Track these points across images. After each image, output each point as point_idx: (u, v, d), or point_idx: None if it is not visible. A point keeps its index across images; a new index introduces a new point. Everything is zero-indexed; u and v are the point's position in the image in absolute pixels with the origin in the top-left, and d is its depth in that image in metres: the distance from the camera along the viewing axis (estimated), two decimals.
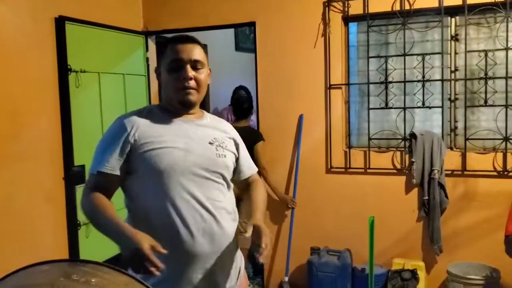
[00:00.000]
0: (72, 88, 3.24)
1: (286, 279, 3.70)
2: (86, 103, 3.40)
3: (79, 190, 3.23)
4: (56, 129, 3.17)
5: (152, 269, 1.40)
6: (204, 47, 1.76)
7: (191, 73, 1.66)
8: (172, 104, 1.72)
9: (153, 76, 4.20)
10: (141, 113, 1.73)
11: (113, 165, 1.63)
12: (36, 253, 2.87)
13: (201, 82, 1.70)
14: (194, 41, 1.72)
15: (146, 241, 1.44)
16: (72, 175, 3.20)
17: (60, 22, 3.16)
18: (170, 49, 1.69)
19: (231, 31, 5.70)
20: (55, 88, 3.16)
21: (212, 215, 1.66)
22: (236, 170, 1.84)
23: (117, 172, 1.63)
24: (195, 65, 1.68)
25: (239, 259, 1.82)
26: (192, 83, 1.67)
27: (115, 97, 3.73)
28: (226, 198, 1.74)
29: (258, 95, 3.78)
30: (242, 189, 1.95)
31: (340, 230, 3.60)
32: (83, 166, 3.27)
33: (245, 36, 6.08)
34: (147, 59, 4.09)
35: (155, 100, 4.23)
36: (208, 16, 3.85)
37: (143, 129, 1.65)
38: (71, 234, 3.23)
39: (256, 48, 3.77)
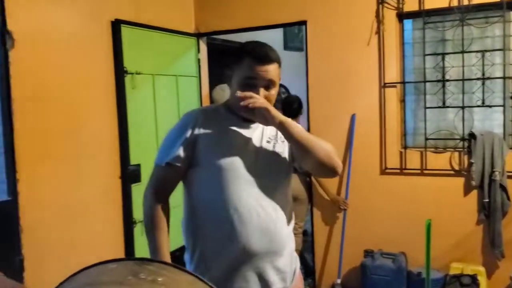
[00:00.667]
0: (128, 89, 3.32)
1: (339, 281, 3.65)
2: (141, 104, 3.48)
3: (135, 188, 3.31)
4: (113, 129, 3.26)
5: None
6: (280, 62, 1.75)
7: (263, 93, 1.68)
8: (235, 106, 1.74)
9: (204, 77, 4.27)
10: (207, 110, 1.83)
11: (179, 158, 1.70)
12: (92, 250, 2.96)
13: (270, 102, 1.71)
14: (271, 60, 1.70)
15: None
16: (128, 174, 3.28)
17: (116, 25, 3.24)
18: (248, 65, 1.69)
19: (279, 30, 5.69)
20: (112, 89, 3.25)
21: (269, 214, 1.67)
22: (295, 158, 1.80)
23: (182, 165, 1.71)
24: (269, 85, 1.70)
25: (294, 260, 1.81)
26: None
27: (168, 98, 3.79)
28: (283, 198, 1.74)
29: (309, 95, 3.74)
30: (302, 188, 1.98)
31: (395, 233, 3.51)
32: (138, 165, 3.35)
33: (294, 35, 6.05)
34: (199, 61, 4.14)
35: (206, 102, 4.27)
36: (259, 16, 3.85)
37: (207, 125, 1.72)
38: (126, 231, 3.31)
39: (307, 47, 3.74)
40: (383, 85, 3.48)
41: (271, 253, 1.68)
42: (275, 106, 1.72)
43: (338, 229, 3.71)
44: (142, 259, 1.14)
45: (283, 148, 1.78)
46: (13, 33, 2.59)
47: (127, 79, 3.32)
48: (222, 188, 1.66)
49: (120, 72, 3.26)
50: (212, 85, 4.37)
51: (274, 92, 1.73)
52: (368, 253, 3.48)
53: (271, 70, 1.69)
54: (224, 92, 4.32)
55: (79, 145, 3.01)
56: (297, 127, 1.71)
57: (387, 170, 3.53)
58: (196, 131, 1.70)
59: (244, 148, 1.71)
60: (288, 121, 1.68)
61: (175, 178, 1.74)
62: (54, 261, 2.73)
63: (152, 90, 3.60)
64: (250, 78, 1.68)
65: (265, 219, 1.66)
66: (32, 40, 2.68)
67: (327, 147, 1.70)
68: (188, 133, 1.70)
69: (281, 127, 1.66)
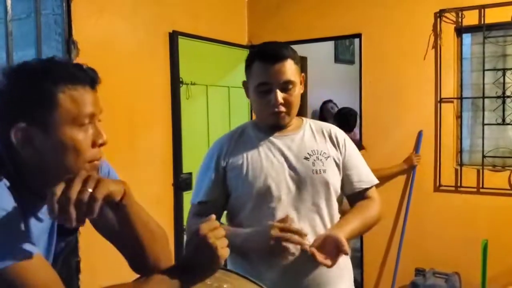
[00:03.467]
0: (182, 99, 3.40)
1: None
2: (195, 114, 3.55)
3: (186, 196, 3.36)
4: (168, 137, 3.34)
5: (297, 238, 1.41)
6: (295, 57, 1.60)
7: (280, 96, 1.55)
8: (263, 124, 1.67)
9: None
10: (233, 135, 1.70)
11: (210, 193, 1.63)
12: None
13: (292, 104, 1.59)
14: (283, 57, 1.55)
15: (269, 227, 1.44)
16: (181, 181, 3.34)
17: (174, 37, 3.33)
18: (258, 68, 1.57)
19: (330, 43, 5.68)
20: (168, 99, 3.33)
21: (311, 233, 1.55)
22: (345, 182, 1.66)
23: (215, 199, 1.63)
24: (286, 86, 1.56)
25: (347, 281, 1.69)
26: (282, 108, 1.57)
27: (220, 109, 3.85)
28: (325, 217, 1.60)
29: (362, 108, 3.70)
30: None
31: (448, 252, 3.39)
32: (190, 174, 3.40)
33: (345, 48, 6.02)
34: None
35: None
36: (312, 29, 3.85)
37: (235, 153, 1.63)
38: (177, 237, 3.36)
39: (361, 60, 3.71)
40: (440, 100, 3.40)
41: (316, 272, 1.56)
42: (325, 120, 1.65)
43: (387, 246, 3.62)
44: None
45: (327, 166, 1.60)
46: (78, 43, 2.71)
47: (182, 89, 3.40)
48: (258, 215, 1.57)
49: (176, 82, 3.34)
50: None
51: (294, 95, 1.57)
52: (419, 272, 3.38)
53: (286, 68, 1.54)
54: None
55: (136, 153, 3.09)
56: (351, 230, 1.52)
57: (442, 188, 3.43)
58: (223, 163, 1.62)
59: (277, 170, 1.58)
60: (346, 233, 1.48)
61: (212, 212, 1.64)
62: (108, 264, 2.80)
63: (206, 101, 3.67)
64: (263, 84, 1.56)
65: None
66: (95, 50, 2.79)
67: (374, 218, 1.63)
68: (215, 167, 1.63)
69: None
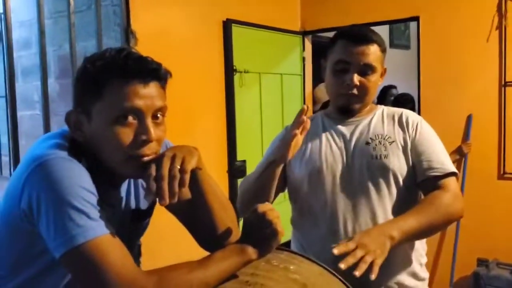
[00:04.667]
0: (236, 87, 3.41)
1: None
2: (248, 102, 3.55)
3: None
4: (222, 126, 3.36)
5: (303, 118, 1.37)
6: (382, 45, 1.53)
7: (357, 79, 1.48)
8: (332, 108, 1.64)
9: (308, 75, 4.26)
10: (312, 119, 1.66)
11: None
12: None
13: (368, 89, 1.51)
14: (370, 40, 1.49)
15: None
16: (235, 169, 3.37)
17: (227, 25, 3.34)
18: (340, 46, 1.51)
19: (385, 27, 5.52)
20: (222, 87, 3.35)
21: (370, 221, 1.49)
22: (415, 169, 1.52)
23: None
24: (365, 70, 1.49)
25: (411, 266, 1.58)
26: (355, 90, 1.51)
27: (273, 96, 3.84)
28: (386, 205, 1.51)
29: (421, 94, 3.58)
30: None
31: None
32: (244, 161, 3.42)
33: (400, 33, 5.85)
34: (303, 59, 4.15)
35: (308, 100, 4.26)
36: (367, 13, 3.75)
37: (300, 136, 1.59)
38: None
39: (419, 44, 3.58)
40: (504, 84, 3.24)
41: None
42: (385, 103, 1.57)
43: (442, 234, 3.51)
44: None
45: (389, 151, 1.50)
46: (136, 33, 2.77)
47: (236, 77, 3.41)
48: (318, 195, 1.54)
49: (229, 70, 3.35)
50: (316, 83, 4.35)
51: (372, 81, 1.50)
52: (482, 262, 3.25)
53: (370, 51, 1.47)
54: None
55: (192, 140, 3.10)
56: (409, 228, 1.35)
57: (506, 175, 3.27)
58: None
59: (335, 155, 1.55)
60: (401, 232, 1.32)
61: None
62: (167, 247, 2.87)
63: (259, 88, 3.66)
64: (342, 61, 1.49)
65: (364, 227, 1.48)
66: (152, 39, 2.84)
67: (446, 214, 1.40)
68: None
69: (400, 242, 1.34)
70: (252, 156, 3.35)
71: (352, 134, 1.57)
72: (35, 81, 3.05)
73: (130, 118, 0.96)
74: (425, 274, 1.63)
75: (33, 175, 0.89)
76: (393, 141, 1.53)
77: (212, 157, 3.30)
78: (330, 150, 1.57)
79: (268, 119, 3.69)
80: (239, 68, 3.42)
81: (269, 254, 1.10)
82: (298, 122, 1.38)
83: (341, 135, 1.58)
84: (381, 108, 1.65)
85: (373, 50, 1.48)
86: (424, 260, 1.64)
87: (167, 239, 2.90)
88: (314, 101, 4.36)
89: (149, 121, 0.97)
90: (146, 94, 0.96)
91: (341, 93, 1.54)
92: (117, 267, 0.85)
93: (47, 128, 2.32)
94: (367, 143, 1.53)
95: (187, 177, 0.94)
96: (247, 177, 1.66)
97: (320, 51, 4.27)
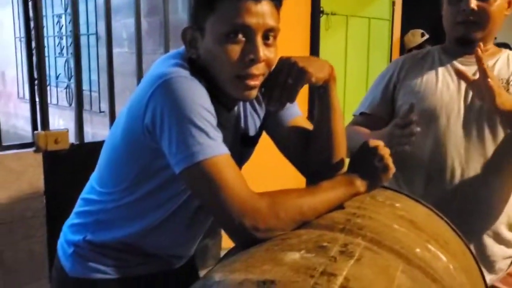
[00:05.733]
0: (322, 31, 3.29)
1: None
2: (333, 46, 3.44)
3: None
4: None
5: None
6: None
7: (474, 3, 1.38)
8: (449, 42, 1.53)
9: (397, 21, 4.03)
10: (415, 55, 1.60)
11: (376, 107, 1.56)
12: None
13: (489, 16, 1.40)
14: None
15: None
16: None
17: None
18: None
19: None
20: (307, 29, 3.24)
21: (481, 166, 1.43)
22: None
23: (380, 115, 1.55)
24: None
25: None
26: (474, 17, 1.40)
27: (359, 41, 3.69)
28: (488, 150, 1.43)
29: None
30: None
31: None
32: None
33: None
34: (393, 3, 3.92)
35: (396, 47, 4.05)
36: None
37: (411, 71, 1.53)
38: None
39: None
40: None
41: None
42: None
43: None
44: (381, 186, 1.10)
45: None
46: None
47: (322, 19, 3.29)
48: (423, 140, 1.44)
49: (316, 11, 3.23)
50: (405, 29, 4.12)
51: (496, 2, 1.40)
52: None
53: None
54: (414, 38, 4.05)
55: None
56: None
57: None
58: (397, 79, 1.54)
59: (452, 94, 1.45)
60: None
61: (374, 128, 1.54)
62: (263, 180, 2.90)
63: (345, 32, 3.53)
64: None
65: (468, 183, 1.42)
66: None
67: None
68: (387, 82, 1.55)
69: None
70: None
71: (473, 75, 1.41)
72: (123, 19, 3.09)
73: (240, 36, 0.93)
74: None
75: (157, 92, 0.89)
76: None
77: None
78: (447, 89, 1.47)
79: (352, 66, 3.57)
80: (326, 10, 3.29)
81: (374, 191, 1.06)
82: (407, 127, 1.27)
83: (456, 77, 1.45)
84: (506, 52, 1.53)
85: None
86: None
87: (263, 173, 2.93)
88: (402, 49, 4.14)
89: (258, 40, 0.94)
90: (258, 11, 0.93)
91: (457, 22, 1.44)
92: (232, 186, 0.86)
93: (139, 65, 2.36)
94: None
95: (296, 90, 0.99)
96: (353, 132, 1.52)
97: None
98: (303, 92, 1.12)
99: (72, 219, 1.15)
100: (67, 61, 3.82)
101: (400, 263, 0.80)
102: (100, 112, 3.47)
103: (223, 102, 1.02)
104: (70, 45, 3.82)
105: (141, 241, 1.08)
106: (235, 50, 0.93)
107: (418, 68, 1.53)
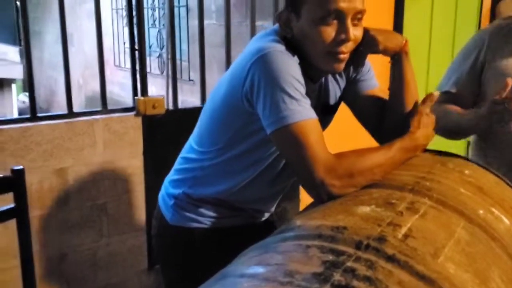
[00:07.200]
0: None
1: None
2: (418, 17, 3.37)
3: None
4: None
5: None
6: None
7: None
8: None
9: None
10: (502, 29, 1.53)
11: (460, 85, 1.55)
12: None
13: None
14: None
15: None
16: None
17: None
18: None
19: None
20: None
21: None
22: None
23: (464, 94, 1.54)
24: None
25: None
26: None
27: (445, 11, 3.57)
28: None
29: None
30: None
31: None
32: None
33: None
34: None
35: (485, 18, 3.88)
36: None
37: (499, 49, 1.48)
38: None
39: None
40: None
41: None
42: None
43: None
44: (450, 154, 1.19)
45: None
46: None
47: None
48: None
49: None
50: None
51: None
52: None
53: None
54: None
55: None
56: None
57: None
58: (485, 60, 1.50)
59: None
60: None
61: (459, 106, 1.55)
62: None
63: (431, 2, 3.44)
64: None
65: None
66: None
67: None
68: (474, 61, 1.52)
69: None
70: (419, 75, 3.23)
71: None
72: None
73: (333, 18, 1.06)
74: None
75: (257, 63, 1.05)
76: None
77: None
78: None
79: (437, 39, 3.48)
80: None
81: (445, 158, 1.14)
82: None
83: None
84: None
85: None
86: None
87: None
88: (493, 20, 3.96)
89: (349, 22, 1.07)
90: None
91: None
92: (316, 147, 1.00)
93: (228, 36, 2.51)
94: None
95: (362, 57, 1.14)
96: (445, 111, 1.54)
97: None
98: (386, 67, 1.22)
99: (172, 175, 1.34)
100: (159, 31, 4.09)
101: (462, 221, 0.89)
102: (190, 80, 3.70)
103: (310, 75, 1.15)
104: (162, 16, 4.10)
105: (232, 197, 1.24)
106: (329, 31, 1.07)
107: (506, 47, 1.48)
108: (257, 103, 1.05)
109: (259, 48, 1.07)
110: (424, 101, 1.18)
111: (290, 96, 1.01)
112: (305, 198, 2.68)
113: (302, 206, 2.93)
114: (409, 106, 1.18)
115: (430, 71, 3.36)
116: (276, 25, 1.17)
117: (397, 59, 1.18)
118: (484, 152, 1.58)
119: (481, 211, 0.95)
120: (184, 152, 1.32)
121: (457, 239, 0.83)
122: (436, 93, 1.19)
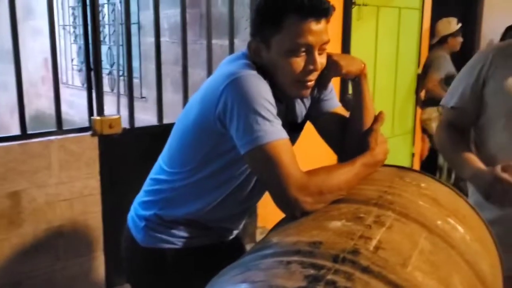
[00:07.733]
0: (353, 21, 3.40)
1: None
2: (364, 37, 3.54)
3: None
4: None
5: None
6: None
7: None
8: None
9: (427, 10, 4.10)
10: (506, 48, 1.55)
11: (465, 100, 1.54)
12: None
13: None
14: None
15: (495, 168, 1.34)
16: (347, 103, 3.44)
17: None
18: None
19: None
20: (339, 20, 3.35)
21: None
22: None
23: (467, 110, 1.55)
24: None
25: None
26: None
27: (389, 31, 3.78)
28: None
29: None
30: None
31: None
32: None
33: None
34: None
35: (425, 36, 4.13)
36: None
37: (500, 66, 1.48)
38: None
39: None
40: None
41: None
42: None
43: None
44: (406, 168, 1.27)
45: None
46: None
47: (354, 10, 3.39)
48: (507, 141, 1.45)
49: (348, 2, 3.34)
50: (435, 18, 4.18)
51: None
52: None
53: None
54: (451, 26, 4.10)
55: None
56: None
57: None
58: (487, 75, 1.49)
59: None
60: None
61: (464, 121, 1.58)
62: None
63: (375, 23, 3.62)
64: None
65: None
66: None
67: None
68: (478, 76, 1.51)
69: None
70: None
71: None
72: (164, 9, 3.27)
73: (302, 51, 1.14)
74: None
75: (230, 86, 1.10)
76: None
77: None
78: None
79: (382, 54, 3.67)
80: (358, 1, 3.39)
81: (402, 173, 1.22)
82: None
83: None
84: None
85: None
86: None
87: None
88: (432, 37, 4.21)
89: (316, 54, 1.15)
90: (317, 30, 1.13)
91: None
92: (288, 166, 1.05)
93: (185, 54, 2.54)
94: None
95: (327, 81, 1.22)
96: (444, 144, 1.61)
97: None
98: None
99: (142, 196, 1.35)
100: (109, 48, 4.05)
101: (423, 232, 0.96)
102: (142, 97, 3.68)
103: (278, 96, 1.20)
104: (113, 33, 4.07)
105: (204, 216, 1.27)
106: (298, 62, 1.15)
107: (507, 65, 1.49)
108: (230, 124, 1.09)
109: (231, 72, 1.12)
110: (376, 120, 1.26)
111: (263, 117, 1.06)
112: (263, 213, 2.72)
113: (260, 221, 2.98)
114: (368, 124, 1.26)
115: (376, 88, 3.53)
116: (245, 49, 1.22)
117: (358, 82, 1.27)
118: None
119: (439, 222, 1.03)
120: (153, 173, 1.33)
121: (421, 249, 0.90)
122: (383, 114, 1.27)
